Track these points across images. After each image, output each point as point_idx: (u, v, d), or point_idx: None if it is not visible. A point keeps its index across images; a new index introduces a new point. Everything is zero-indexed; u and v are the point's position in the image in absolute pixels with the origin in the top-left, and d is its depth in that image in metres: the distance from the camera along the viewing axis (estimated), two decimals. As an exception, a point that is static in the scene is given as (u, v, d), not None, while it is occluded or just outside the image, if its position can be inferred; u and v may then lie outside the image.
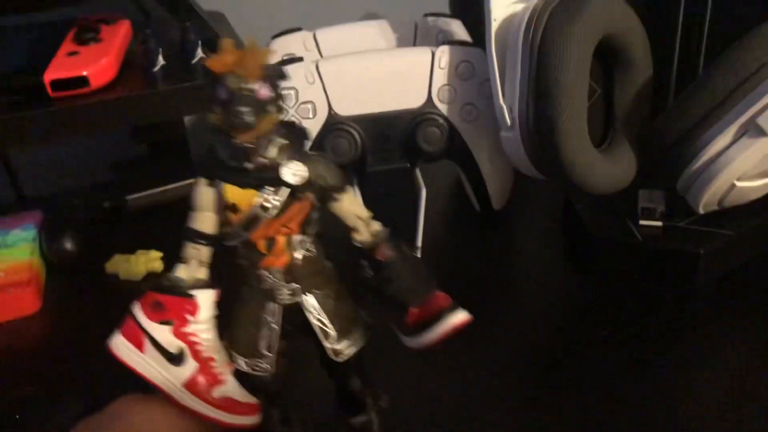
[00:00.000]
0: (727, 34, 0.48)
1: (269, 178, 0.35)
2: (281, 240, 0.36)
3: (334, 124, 0.55)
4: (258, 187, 0.35)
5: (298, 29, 0.64)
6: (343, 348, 0.39)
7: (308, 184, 0.36)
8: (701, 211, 0.50)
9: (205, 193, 0.36)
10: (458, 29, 0.63)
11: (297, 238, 0.37)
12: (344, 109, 0.55)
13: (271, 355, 0.38)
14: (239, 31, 0.68)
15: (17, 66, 0.55)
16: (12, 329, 0.55)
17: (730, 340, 0.49)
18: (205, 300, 0.37)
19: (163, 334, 0.36)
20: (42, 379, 0.50)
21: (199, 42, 0.57)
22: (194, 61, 0.57)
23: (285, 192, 0.35)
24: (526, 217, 0.64)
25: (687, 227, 0.53)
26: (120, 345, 0.36)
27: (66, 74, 0.53)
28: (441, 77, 0.56)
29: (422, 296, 0.37)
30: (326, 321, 0.38)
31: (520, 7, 0.51)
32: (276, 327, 0.38)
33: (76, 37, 0.57)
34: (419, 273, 0.38)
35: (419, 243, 0.57)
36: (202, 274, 0.37)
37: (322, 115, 0.55)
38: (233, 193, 0.35)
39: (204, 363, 0.36)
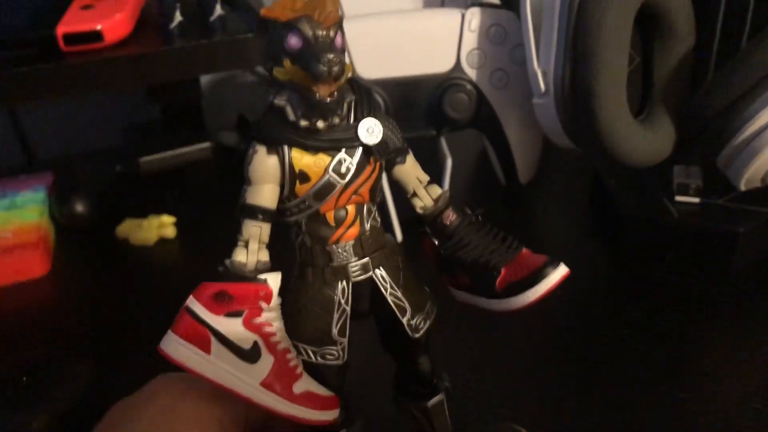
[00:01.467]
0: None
1: (344, 138, 0.31)
2: (351, 210, 0.33)
3: (356, 87, 0.53)
4: (330, 149, 0.31)
5: (322, -11, 0.61)
6: (419, 322, 0.35)
7: (384, 144, 0.32)
8: (743, 187, 0.47)
9: (267, 162, 0.31)
10: (488, -8, 0.60)
11: (366, 206, 0.33)
12: (368, 72, 0.53)
13: (344, 339, 0.34)
14: (259, -10, 0.65)
15: (29, 18, 0.53)
16: (20, 291, 0.53)
17: (765, 330, 0.46)
18: (275, 283, 0.32)
19: (233, 327, 0.31)
20: (49, 343, 0.48)
21: (218, -1, 0.54)
22: (212, 18, 0.54)
23: (359, 153, 0.32)
24: (554, 193, 0.62)
25: (726, 204, 0.51)
26: (178, 347, 0.30)
27: (79, 28, 0.51)
28: (471, 41, 0.53)
29: (509, 255, 0.34)
30: (400, 295, 0.34)
31: (557, -33, 0.49)
32: (347, 308, 0.34)
33: (90, -9, 0.55)
34: (496, 233, 0.34)
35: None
36: (264, 255, 0.33)
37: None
38: (302, 159, 0.31)
39: (280, 356, 0.32)
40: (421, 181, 0.35)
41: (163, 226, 0.59)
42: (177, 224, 0.59)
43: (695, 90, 0.49)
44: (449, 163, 0.54)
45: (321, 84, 0.30)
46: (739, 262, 0.50)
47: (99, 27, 0.51)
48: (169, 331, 0.31)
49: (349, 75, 0.31)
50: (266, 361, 0.31)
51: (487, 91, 0.54)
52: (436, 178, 0.54)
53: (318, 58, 0.29)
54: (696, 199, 0.51)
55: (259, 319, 0.31)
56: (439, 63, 0.53)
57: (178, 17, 0.54)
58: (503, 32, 0.53)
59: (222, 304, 0.31)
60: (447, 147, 0.55)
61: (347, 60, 0.33)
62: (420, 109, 0.54)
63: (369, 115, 0.32)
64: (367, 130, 0.31)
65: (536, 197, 0.61)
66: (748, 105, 0.45)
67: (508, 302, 0.33)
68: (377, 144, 0.32)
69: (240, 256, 0.32)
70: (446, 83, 0.53)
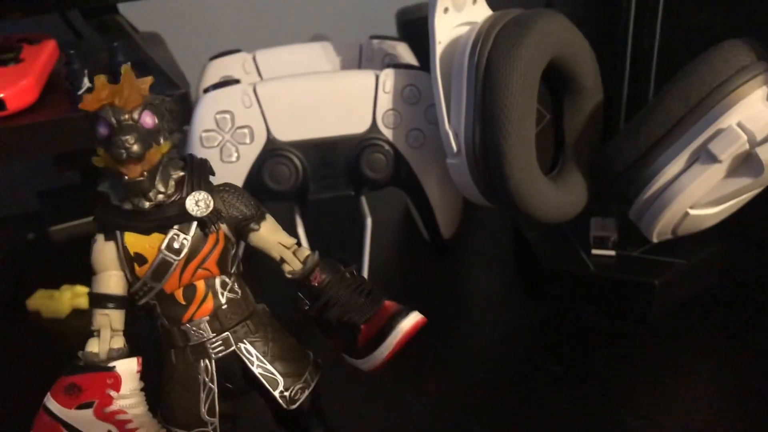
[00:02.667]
0: (678, 59, 0.46)
1: (172, 215, 0.32)
2: (200, 285, 0.33)
3: (273, 149, 0.52)
4: (162, 228, 0.32)
5: (237, 51, 0.61)
6: (295, 393, 0.35)
7: (219, 216, 0.32)
8: (655, 239, 0.48)
9: (105, 250, 0.33)
10: (405, 52, 0.61)
11: (218, 280, 0.33)
12: (284, 134, 0.53)
13: (214, 420, 0.34)
14: (176, 52, 0.65)
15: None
16: None
17: (687, 375, 0.47)
18: (127, 370, 0.32)
19: (85, 419, 0.31)
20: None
21: (129, 63, 0.53)
22: (123, 83, 0.53)
23: (193, 228, 0.32)
24: (477, 246, 0.62)
25: (640, 256, 0.52)
26: None
27: (-20, 96, 0.49)
28: (386, 101, 0.53)
29: (369, 311, 0.34)
30: (269, 366, 0.34)
31: (465, 29, 0.49)
32: (214, 386, 0.34)
33: (-7, 58, 0.53)
34: (362, 288, 0.34)
35: (365, 274, 0.54)
36: (118, 342, 0.33)
37: (261, 141, 0.52)
38: (136, 242, 0.32)
39: None
40: (286, 246, 0.35)
41: (76, 296, 0.56)
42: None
43: (606, 143, 0.50)
44: (368, 222, 0.54)
45: (126, 166, 0.31)
46: (656, 311, 0.50)
47: (1, 95, 0.49)
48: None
49: (164, 151, 0.32)
50: None
51: (404, 150, 0.54)
52: (357, 237, 0.55)
53: (115, 142, 0.30)
54: (612, 252, 0.52)
55: (110, 408, 0.31)
56: (355, 124, 0.53)
57: (86, 83, 0.53)
58: (417, 92, 0.53)
59: (72, 396, 0.31)
60: (367, 206, 0.55)
61: (171, 137, 0.33)
62: (338, 169, 0.54)
63: (200, 188, 0.32)
64: (196, 203, 0.32)
65: (461, 251, 0.61)
66: (655, 159, 0.46)
67: (367, 361, 0.33)
68: (208, 215, 0.32)
69: (92, 346, 0.33)
70: (363, 144, 0.53)
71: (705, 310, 0.51)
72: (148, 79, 0.32)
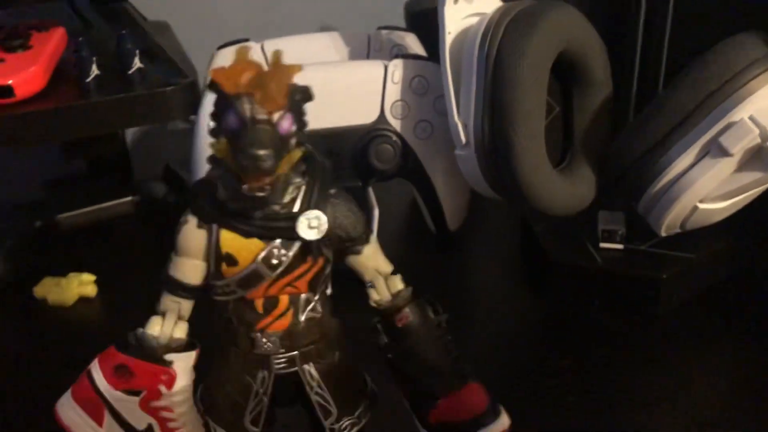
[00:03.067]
0: (688, 51, 0.46)
1: (280, 228, 0.28)
2: (284, 300, 0.30)
3: (280, 140, 0.52)
4: (264, 237, 0.28)
5: (246, 40, 0.61)
6: (345, 427, 0.32)
7: (327, 240, 0.29)
8: (663, 233, 0.48)
9: (194, 237, 0.29)
10: (413, 43, 0.61)
11: (303, 297, 0.30)
12: (292, 125, 0.52)
13: (257, 430, 0.31)
14: (184, 41, 0.64)
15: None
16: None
17: (694, 369, 0.46)
18: (184, 366, 0.30)
19: (129, 405, 0.29)
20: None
21: (137, 51, 0.53)
22: (131, 71, 0.53)
23: (296, 246, 0.29)
24: (483, 239, 0.62)
25: (648, 250, 0.51)
26: (71, 412, 0.29)
27: (-12, 83, 0.49)
28: (394, 92, 0.53)
29: (452, 386, 0.31)
30: (328, 396, 0.31)
31: (475, 19, 0.49)
32: (266, 399, 0.31)
33: (2, 44, 0.53)
34: (448, 352, 0.31)
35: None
36: (181, 331, 0.31)
37: (268, 131, 0.52)
38: (232, 241, 0.28)
39: None
40: (380, 273, 0.32)
41: (83, 284, 0.56)
42: (98, 282, 0.57)
43: (615, 136, 0.50)
44: (376, 213, 0.54)
45: (250, 177, 0.27)
46: (664, 306, 0.50)
47: (10, 82, 0.49)
48: (68, 392, 0.30)
49: (294, 160, 0.28)
50: None
51: (412, 141, 0.54)
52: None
53: (245, 151, 0.26)
54: (620, 246, 0.51)
55: (156, 403, 0.29)
56: (364, 114, 0.53)
57: (95, 70, 0.53)
58: (426, 83, 0.53)
59: (121, 378, 0.29)
60: (374, 197, 0.55)
61: (304, 140, 0.29)
62: (346, 160, 0.54)
63: (317, 206, 0.28)
64: (309, 224, 0.28)
65: (467, 243, 0.61)
66: (665, 152, 0.46)
67: None
68: (319, 240, 0.28)
69: (153, 328, 0.30)
70: (371, 135, 0.53)
71: (713, 305, 0.51)
72: (296, 68, 0.28)
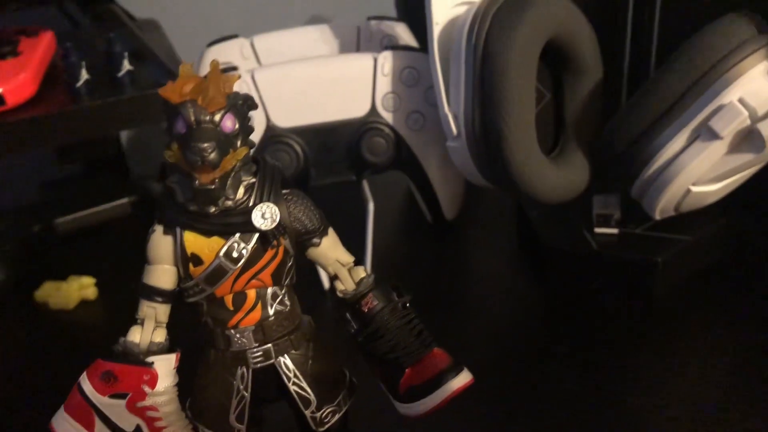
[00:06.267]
0: (678, 34, 0.46)
1: (236, 223, 0.31)
2: (251, 294, 0.32)
3: (273, 136, 0.52)
4: (223, 234, 0.31)
5: (235, 36, 0.60)
6: (326, 415, 0.34)
7: (282, 230, 0.31)
8: (657, 217, 0.48)
9: (161, 243, 0.32)
10: (403, 33, 0.60)
11: (269, 290, 0.32)
12: (284, 121, 0.52)
13: (242, 426, 0.33)
14: (174, 39, 0.64)
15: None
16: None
17: (691, 352, 0.47)
18: (165, 367, 0.32)
19: (116, 409, 0.31)
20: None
21: (126, 54, 0.53)
22: (120, 74, 0.53)
23: (254, 238, 0.31)
24: (480, 227, 0.62)
25: (643, 234, 0.51)
26: (65, 424, 0.31)
27: (-22, 92, 0.49)
28: (385, 84, 0.53)
29: (417, 355, 0.33)
30: (305, 385, 0.33)
31: (462, 9, 0.49)
32: (247, 395, 0.33)
33: (-9, 51, 0.53)
34: (413, 326, 0.33)
35: (369, 259, 0.54)
36: (160, 336, 0.33)
37: (260, 128, 0.52)
38: (195, 242, 0.31)
39: None
40: (342, 264, 0.34)
41: (83, 287, 0.57)
42: (98, 284, 0.57)
43: (606, 122, 0.50)
44: (371, 207, 0.54)
45: (199, 171, 0.29)
46: (660, 289, 0.50)
47: (0, 90, 0.49)
48: (62, 407, 0.32)
49: (240, 157, 0.30)
50: None
51: (405, 133, 0.54)
52: (360, 222, 0.55)
53: (190, 147, 0.29)
54: (615, 230, 0.52)
55: (142, 403, 0.31)
56: (355, 108, 0.53)
57: (84, 75, 0.53)
58: (416, 74, 0.53)
59: (108, 384, 0.31)
60: (369, 190, 0.55)
61: (250, 140, 0.32)
62: (339, 154, 0.54)
63: (269, 198, 0.31)
64: (262, 215, 0.31)
65: (464, 232, 0.61)
66: (657, 135, 0.46)
67: (408, 407, 0.33)
68: (273, 229, 0.31)
69: (134, 335, 0.32)
70: (363, 128, 0.53)
71: (709, 287, 0.51)
72: (234, 77, 0.31)
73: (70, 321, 0.55)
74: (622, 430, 0.41)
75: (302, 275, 0.35)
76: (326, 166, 0.54)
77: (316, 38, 0.61)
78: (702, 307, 0.50)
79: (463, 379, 0.32)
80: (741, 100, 0.42)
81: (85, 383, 0.31)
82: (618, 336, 0.48)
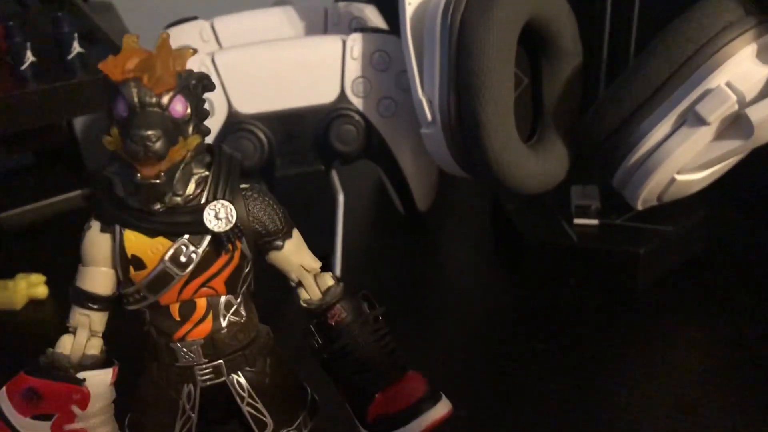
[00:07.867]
0: (660, 17, 0.44)
1: (185, 222, 0.27)
2: (201, 303, 0.28)
3: (235, 123, 0.49)
4: (170, 234, 0.27)
5: (194, 18, 0.57)
6: None
7: (238, 230, 0.27)
8: (640, 207, 0.46)
9: (98, 242, 0.27)
10: (373, 15, 0.58)
11: (222, 299, 0.29)
12: (246, 107, 0.49)
13: None
14: (129, 21, 0.61)
15: None
16: None
17: (675, 344, 0.45)
18: (99, 384, 0.28)
19: None
20: None
21: (75, 35, 0.50)
22: (70, 56, 0.49)
23: (206, 241, 0.27)
24: (455, 219, 0.60)
25: (624, 224, 0.50)
26: None
27: None
28: (354, 69, 0.50)
29: (389, 378, 0.29)
30: (260, 407, 0.29)
31: (436, -12, 0.46)
32: (194, 415, 0.29)
33: (-75, 33, 0.49)
34: (385, 343, 0.30)
35: (339, 254, 0.51)
36: (94, 347, 0.29)
37: (221, 114, 0.49)
38: (136, 242, 0.27)
39: None
40: (308, 270, 0.30)
41: (32, 285, 0.53)
42: (49, 282, 0.53)
43: (586, 110, 0.48)
44: (341, 198, 0.51)
45: (142, 164, 0.25)
46: (642, 281, 0.49)
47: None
48: None
49: (191, 147, 0.26)
50: None
51: (376, 120, 0.51)
52: (330, 215, 0.52)
53: (133, 136, 0.25)
54: (594, 221, 0.50)
55: (71, 426, 0.27)
56: (323, 93, 0.50)
57: (30, 57, 0.49)
58: (387, 58, 0.50)
59: (30, 403, 0.27)
60: (339, 181, 0.52)
61: (204, 127, 0.28)
62: (306, 143, 0.51)
63: (225, 194, 0.27)
64: (216, 214, 0.27)
65: (437, 224, 0.59)
66: (641, 122, 0.44)
67: None
68: (228, 231, 0.27)
69: (64, 346, 0.28)
70: (332, 114, 0.50)
71: (692, 278, 0.50)
72: (188, 52, 0.27)
73: (17, 322, 0.52)
74: (606, 428, 0.40)
75: (262, 279, 0.31)
76: (292, 155, 0.51)
77: (281, 20, 0.58)
78: (685, 298, 0.48)
79: (441, 409, 0.29)
80: (729, 84, 0.40)
81: (4, 401, 0.27)
82: (599, 330, 0.46)
